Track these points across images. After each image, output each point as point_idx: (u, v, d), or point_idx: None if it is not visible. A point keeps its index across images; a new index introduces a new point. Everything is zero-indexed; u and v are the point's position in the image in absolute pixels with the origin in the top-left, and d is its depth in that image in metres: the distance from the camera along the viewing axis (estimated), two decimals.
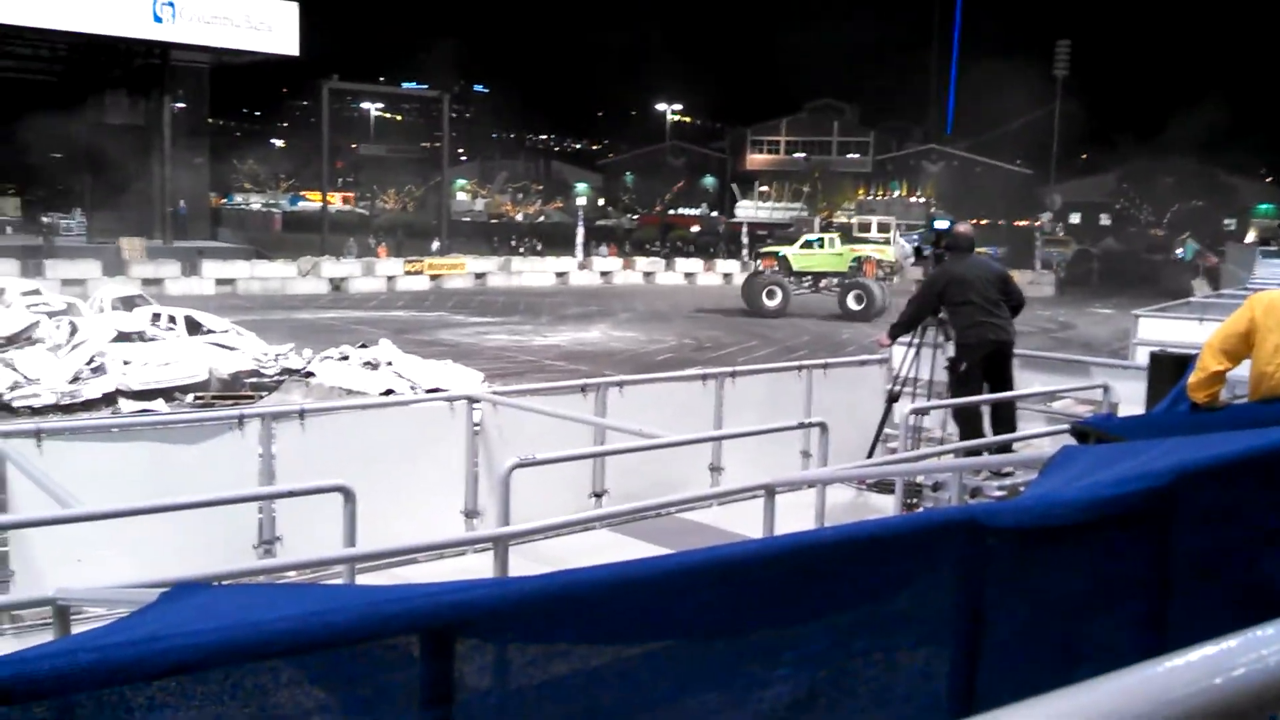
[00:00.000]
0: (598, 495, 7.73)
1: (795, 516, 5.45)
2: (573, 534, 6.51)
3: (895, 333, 9.01)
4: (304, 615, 1.57)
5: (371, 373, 18.81)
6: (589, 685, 1.80)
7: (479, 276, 45.31)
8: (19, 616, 5.82)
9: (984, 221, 61.58)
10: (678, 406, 8.54)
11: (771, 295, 36.36)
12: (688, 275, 50.74)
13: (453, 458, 7.44)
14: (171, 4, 38.59)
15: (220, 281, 37.95)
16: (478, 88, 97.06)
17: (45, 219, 43.03)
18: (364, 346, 20.09)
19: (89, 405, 17.45)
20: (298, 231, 54.21)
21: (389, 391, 17.32)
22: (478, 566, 5.93)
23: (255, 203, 75.28)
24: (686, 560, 1.85)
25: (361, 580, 5.10)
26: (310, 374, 19.60)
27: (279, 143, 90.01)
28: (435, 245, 49.83)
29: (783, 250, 38.63)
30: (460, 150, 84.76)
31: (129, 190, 41.53)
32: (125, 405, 17.56)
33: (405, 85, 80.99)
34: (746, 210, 71.70)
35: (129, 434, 6.72)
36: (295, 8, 41.27)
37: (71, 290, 28.68)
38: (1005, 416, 8.42)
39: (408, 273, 43.28)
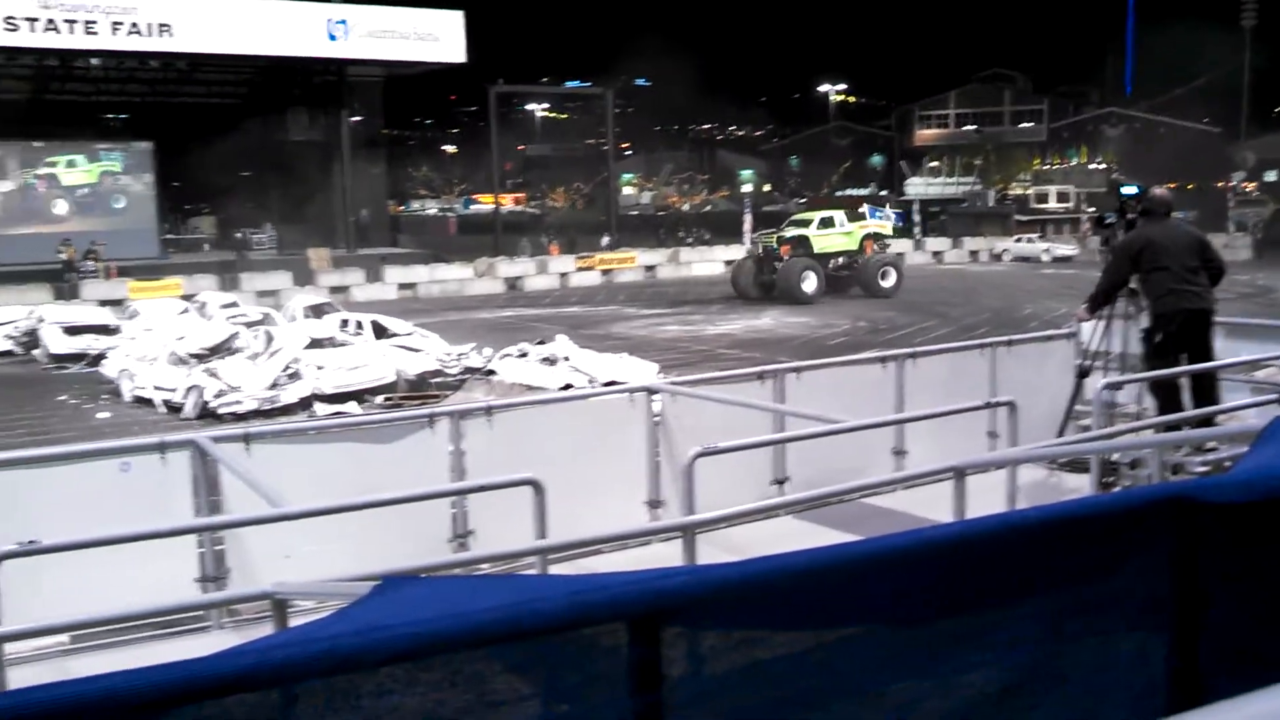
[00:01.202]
0: (779, 482, 7.70)
1: (985, 499, 5.32)
2: (756, 521, 6.51)
3: (1094, 305, 8.58)
4: (514, 605, 1.62)
5: (550, 368, 19.20)
6: (790, 671, 1.80)
7: (649, 269, 45.68)
8: (236, 610, 6.16)
9: (1172, 185, 58.66)
10: (857, 390, 8.43)
11: (805, 280, 34.62)
12: None
13: (634, 449, 7.52)
14: (344, 22, 40.12)
15: (402, 286, 39.31)
16: (639, 81, 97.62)
17: (238, 235, 45.33)
18: (541, 343, 20.51)
19: (287, 409, 18.34)
20: (472, 234, 55.64)
21: (568, 386, 17.63)
22: (664, 555, 5.98)
23: (431, 208, 77.58)
24: (884, 544, 1.83)
25: (554, 571, 5.21)
26: (491, 372, 20.14)
27: (450, 148, 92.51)
28: (605, 240, 50.44)
29: (802, 232, 36.54)
30: (625, 145, 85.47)
31: (313, 202, 43.42)
32: (320, 408, 18.38)
33: (569, 84, 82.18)
34: (916, 187, 70.20)
35: (328, 435, 7.04)
36: (460, 16, 42.34)
37: (265, 301, 30.17)
38: (1206, 388, 8.00)
39: (580, 269, 43.95)
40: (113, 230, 42.09)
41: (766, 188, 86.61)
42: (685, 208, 78.15)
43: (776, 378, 8.04)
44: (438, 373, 20.10)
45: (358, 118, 45.08)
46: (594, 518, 6.46)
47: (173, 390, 18.92)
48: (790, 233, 36.52)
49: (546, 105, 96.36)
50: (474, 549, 6.46)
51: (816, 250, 35.65)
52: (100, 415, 19.00)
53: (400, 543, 6.28)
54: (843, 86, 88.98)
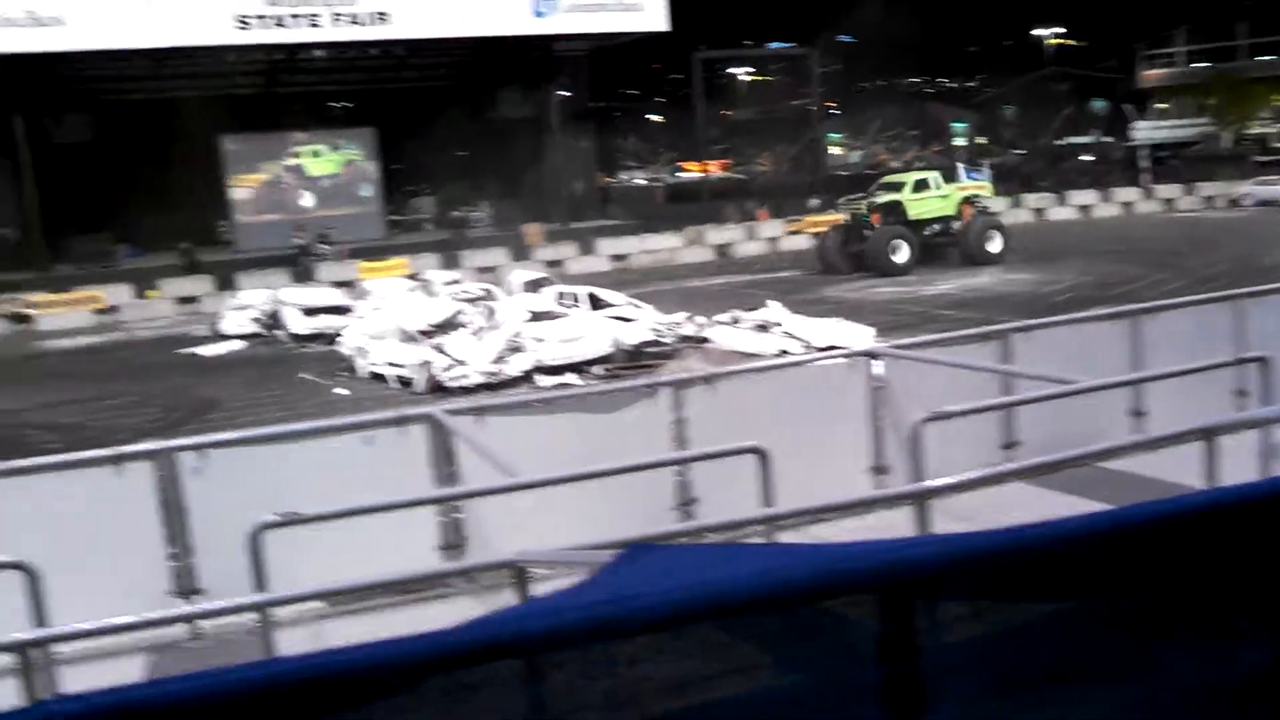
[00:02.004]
0: (1008, 446, 7.47)
1: (1236, 463, 5.02)
2: (987, 488, 6.34)
3: None
4: (766, 574, 1.62)
5: (763, 335, 19.16)
6: (1045, 639, 1.76)
7: None
8: (474, 577, 6.42)
9: None
10: (1089, 349, 8.08)
11: (896, 250, 31.81)
12: (1082, 208, 47.69)
13: (855, 415, 7.44)
14: None
15: (614, 257, 39.87)
16: (843, 38, 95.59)
17: (456, 214, 46.92)
18: (754, 309, 20.47)
19: (511, 382, 18.94)
20: (680, 203, 55.91)
21: (783, 352, 17.55)
22: (892, 523, 5.90)
23: (639, 179, 78.34)
24: (1136, 514, 1.75)
25: (781, 539, 5.22)
26: (705, 340, 20.26)
27: (656, 118, 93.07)
28: (813, 202, 49.80)
29: (895, 197, 33.62)
30: (831, 104, 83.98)
31: (526, 178, 44.51)
32: (542, 380, 18.90)
33: (771, 45, 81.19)
34: (1144, 132, 66.26)
35: (554, 407, 7.23)
36: None
37: (485, 277, 31.16)
38: None
39: (789, 233, 43.53)
40: (343, 214, 44.41)
41: (981, 140, 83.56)
42: (895, 165, 76.30)
43: (1003, 338, 7.79)
44: (653, 342, 20.33)
45: (565, 92, 45.85)
46: (816, 485, 6.42)
47: (403, 366, 19.81)
48: (882, 198, 34.09)
49: (750, 68, 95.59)
50: (698, 517, 6.54)
51: (911, 216, 33.14)
52: (338, 391, 20.08)
53: (626, 511, 6.41)
54: (1059, 30, 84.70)
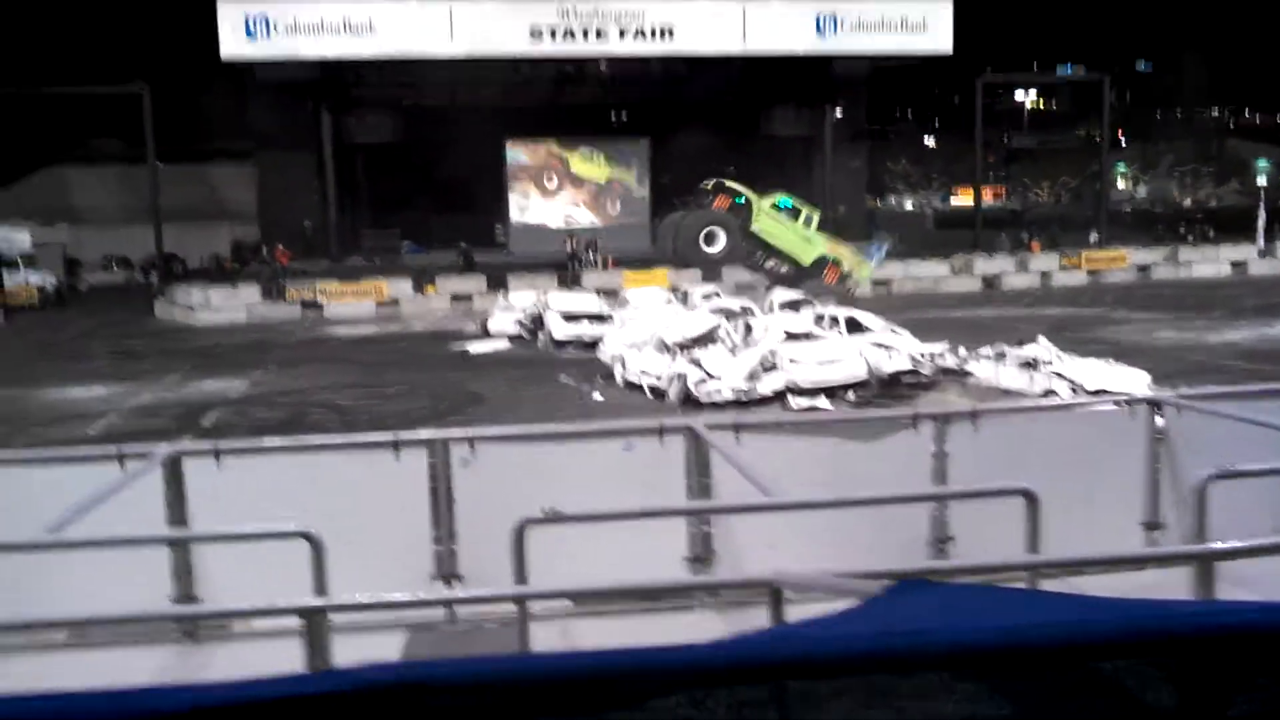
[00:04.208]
0: None
1: None
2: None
3: None
4: (1072, 623, 1.54)
5: (1030, 372, 18.40)
6: None
7: (1142, 269, 42.48)
8: (717, 591, 6.43)
9: None
10: None
11: (711, 241, 28.41)
12: None
13: (1131, 465, 7.01)
14: (834, 17, 40.67)
15: (876, 282, 39.29)
16: (1140, 65, 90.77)
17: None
18: (1021, 344, 19.70)
19: (762, 400, 18.94)
20: (949, 229, 54.51)
21: (1049, 392, 16.82)
22: (1163, 583, 5.52)
23: (907, 202, 76.93)
24: None
25: (1044, 588, 4.97)
26: (967, 373, 19.65)
27: (930, 141, 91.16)
28: (1093, 237, 47.50)
29: (750, 196, 30.28)
30: (1119, 134, 79.91)
31: (794, 196, 44.44)
32: (794, 401, 18.80)
33: (1061, 71, 78.04)
34: None
35: (810, 429, 7.17)
36: (949, 6, 41.51)
37: (744, 294, 31.29)
38: None
39: (1063, 267, 41.74)
40: (610, 224, 45.64)
41: None
42: (1187, 202, 71.81)
43: None
44: (911, 371, 19.88)
45: (840, 112, 45.53)
46: (1083, 534, 6.09)
47: (658, 377, 20.14)
48: (736, 187, 31.83)
49: (1034, 94, 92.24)
50: (954, 555, 6.33)
51: (754, 228, 30.88)
52: (595, 397, 20.62)
53: (878, 542, 6.28)
54: None
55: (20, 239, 47.19)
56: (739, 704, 1.50)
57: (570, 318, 27.32)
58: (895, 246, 31.68)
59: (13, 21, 65.92)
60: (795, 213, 32.02)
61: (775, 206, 31.81)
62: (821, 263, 31.25)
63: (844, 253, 31.86)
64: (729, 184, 31.03)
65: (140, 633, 6.00)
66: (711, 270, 32.54)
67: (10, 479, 6.37)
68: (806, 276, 30.66)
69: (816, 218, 32.46)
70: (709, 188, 31.38)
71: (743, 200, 31.39)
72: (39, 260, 47.60)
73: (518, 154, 46.74)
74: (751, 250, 31.67)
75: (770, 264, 31.46)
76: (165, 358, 27.39)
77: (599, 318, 27.14)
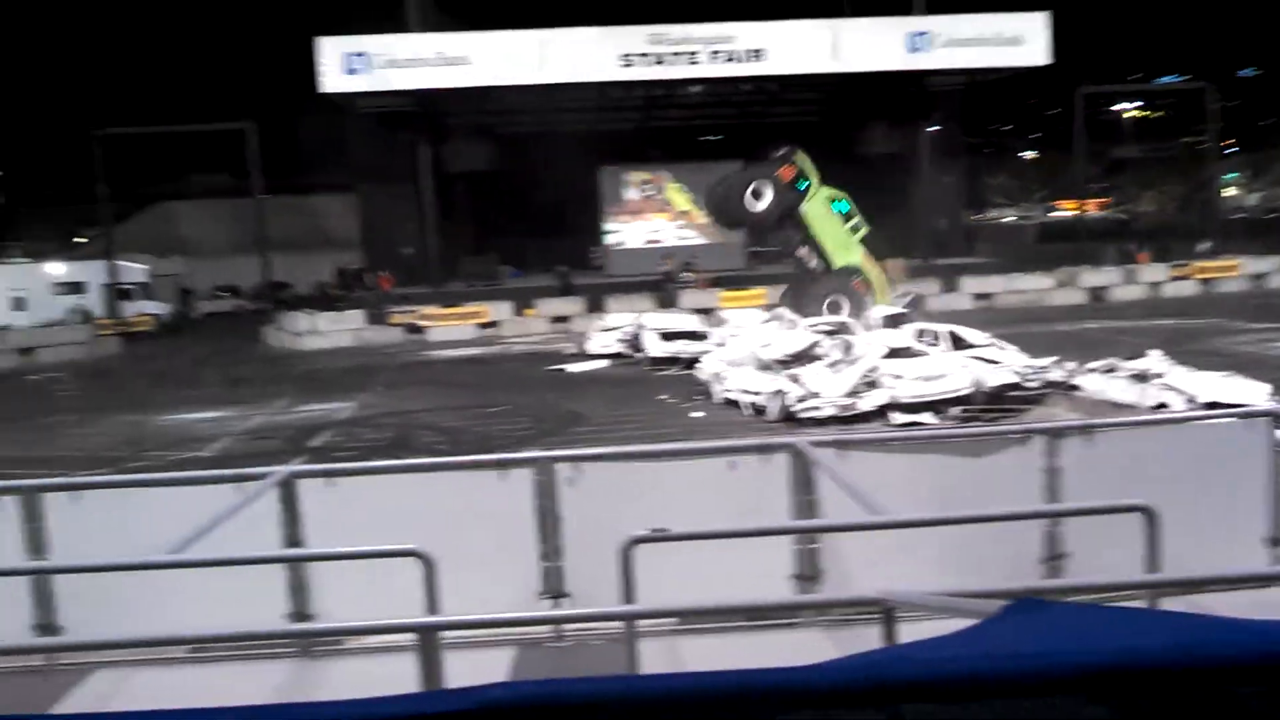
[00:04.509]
0: None
1: None
2: None
3: None
4: (1192, 646, 1.51)
5: (1141, 385, 17.92)
6: None
7: (1257, 278, 41.10)
8: (825, 609, 6.38)
9: None
10: None
11: (759, 196, 28.13)
12: None
13: (1251, 480, 6.79)
14: (926, 33, 40.27)
15: (978, 296, 38.71)
16: (1244, 72, 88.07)
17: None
18: (1131, 358, 19.21)
19: (864, 417, 18.75)
20: (1052, 242, 53.44)
21: (1161, 406, 16.37)
22: None
23: (1008, 216, 75.63)
24: None
25: (1166, 606, 4.84)
26: (1074, 387, 19.22)
27: (1029, 154, 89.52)
28: (1203, 246, 46.15)
29: (814, 178, 29.32)
30: (1227, 142, 77.54)
31: (889, 214, 43.96)
32: (896, 417, 18.57)
33: (1162, 79, 76.13)
34: None
35: (916, 446, 7.08)
36: (1045, 17, 40.82)
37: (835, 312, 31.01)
38: None
39: (1173, 278, 40.63)
40: (706, 244, 45.65)
41: None
42: None
43: None
44: (1016, 386, 19.50)
45: (935, 127, 45.02)
46: (1201, 552, 5.91)
47: (758, 394, 20.06)
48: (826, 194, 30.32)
49: (1137, 104, 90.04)
50: (1069, 573, 6.19)
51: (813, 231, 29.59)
52: (694, 414, 20.62)
53: (988, 559, 6.17)
54: None
55: (137, 271, 49.02)
56: None
57: (667, 336, 27.39)
58: (918, 307, 31.00)
59: (127, 65, 68.60)
60: (848, 218, 31.28)
61: (832, 201, 31.06)
62: (850, 272, 30.44)
63: (876, 274, 31.18)
64: (801, 157, 30.82)
65: (258, 648, 6.17)
66: (756, 237, 32.14)
67: (136, 500, 6.60)
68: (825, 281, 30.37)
69: (864, 230, 31.67)
70: (780, 154, 31.16)
71: (805, 185, 30.54)
72: (155, 291, 49.38)
73: (612, 177, 47.08)
74: (789, 235, 31.11)
75: (802, 251, 30.83)
76: (275, 382, 28.12)
77: (695, 336, 27.17)
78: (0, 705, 4.79)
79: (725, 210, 30.91)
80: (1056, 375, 19.89)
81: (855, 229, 30.67)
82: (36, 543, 6.41)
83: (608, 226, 46.92)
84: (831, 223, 30.20)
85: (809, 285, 30.03)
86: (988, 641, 1.95)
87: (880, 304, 29.32)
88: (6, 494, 6.47)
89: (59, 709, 5.44)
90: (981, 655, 1.56)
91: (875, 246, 37.16)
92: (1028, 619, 2.03)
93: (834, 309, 28.42)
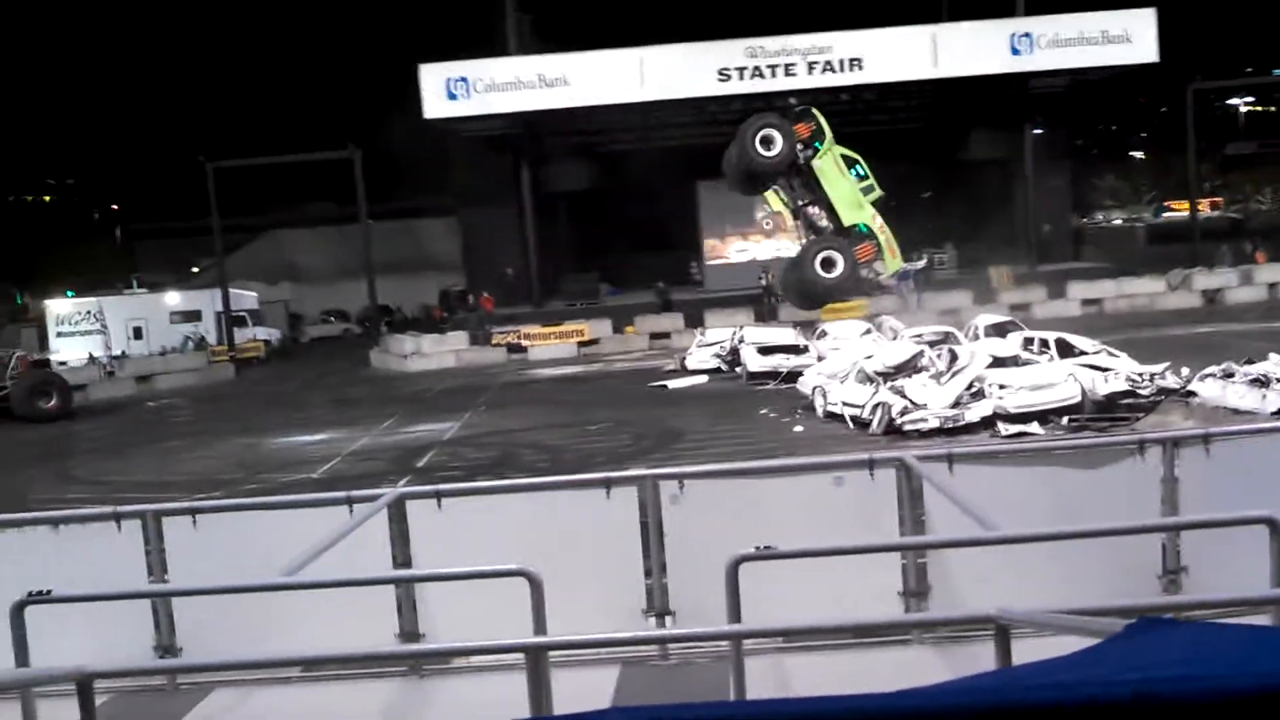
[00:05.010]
0: None
1: None
2: None
3: None
4: None
5: (1260, 391, 17.28)
6: None
7: None
8: (932, 626, 6.25)
9: None
10: None
11: (769, 144, 27.45)
12: None
13: None
14: (1029, 35, 39.53)
15: (1086, 302, 37.75)
16: None
17: (919, 256, 46.44)
18: (1249, 362, 18.53)
19: (970, 428, 18.38)
20: (1163, 244, 51.87)
21: None
22: None
23: (1116, 219, 73.70)
24: None
25: None
26: (1191, 393, 18.60)
27: (1138, 154, 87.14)
28: None
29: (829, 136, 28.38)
30: None
31: (993, 220, 43.21)
32: (1003, 428, 18.18)
33: (1277, 72, 73.40)
34: None
35: (1027, 458, 6.91)
36: (1153, 14, 39.77)
37: (946, 320, 30.53)
38: None
39: None
40: None
41: None
42: None
43: None
44: (1128, 393, 18.92)
45: (1040, 130, 44.12)
46: None
47: (860, 407, 19.81)
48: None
49: (1250, 99, 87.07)
50: (1189, 589, 5.98)
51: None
52: (796, 429, 20.45)
53: (1104, 575, 6.00)
54: None
55: (249, 298, 50.52)
56: None
57: (765, 351, 27.24)
58: (928, 278, 29.76)
59: (237, 98, 70.84)
60: (862, 181, 30.69)
61: (847, 160, 30.58)
62: (858, 233, 29.86)
63: (885, 238, 30.40)
64: (817, 114, 30.67)
65: (369, 668, 6.27)
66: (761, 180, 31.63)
67: (251, 523, 6.77)
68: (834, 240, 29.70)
69: (878, 194, 31.07)
70: (798, 109, 30.79)
71: (821, 145, 30.19)
72: (265, 317, 50.82)
73: (710, 192, 47.10)
74: (798, 190, 30.72)
75: (812, 210, 30.49)
76: (381, 404, 28.66)
77: (794, 349, 26.97)
78: None
79: (735, 159, 30.63)
80: (1171, 382, 19.26)
81: (868, 190, 30.11)
82: (157, 566, 6.62)
83: (707, 241, 46.91)
84: (843, 180, 29.90)
85: (806, 246, 29.62)
86: (1112, 663, 1.88)
87: (890, 269, 28.92)
88: (129, 518, 6.69)
89: None
90: (1109, 678, 1.51)
91: (978, 251, 36.45)
92: (1153, 638, 1.95)
93: (827, 266, 27.98)
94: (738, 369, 27.81)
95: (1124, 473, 6.46)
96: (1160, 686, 1.39)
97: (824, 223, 29.64)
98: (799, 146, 28.94)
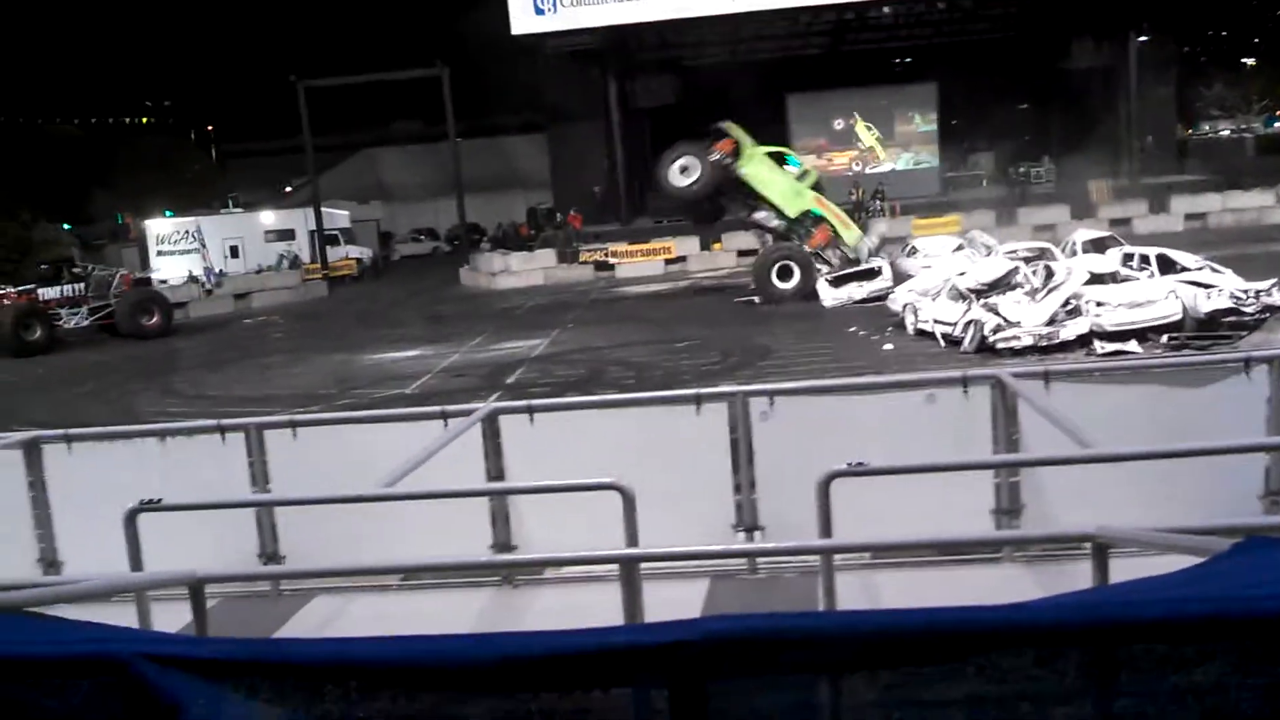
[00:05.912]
0: None
1: None
2: None
3: None
4: None
5: None
6: None
7: None
8: (1024, 545, 6.19)
9: None
10: None
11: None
12: None
13: None
14: None
15: (1189, 216, 36.55)
16: None
17: (1017, 170, 45.33)
18: None
19: (1065, 346, 18.02)
20: (1273, 155, 49.83)
21: None
22: None
23: (1224, 129, 70.87)
24: None
25: None
26: None
27: (1249, 61, 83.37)
28: None
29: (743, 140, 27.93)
30: None
31: (1094, 132, 41.84)
32: (1100, 346, 17.79)
33: None
34: None
35: (1127, 376, 6.76)
36: None
37: (1041, 235, 29.81)
38: None
39: None
40: (899, 171, 44.56)
41: None
42: None
43: None
44: (1232, 310, 18.34)
45: (1144, 37, 42.42)
46: None
47: (952, 325, 19.52)
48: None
49: None
50: None
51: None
52: (886, 347, 20.24)
53: (1206, 496, 5.87)
54: None
55: (340, 217, 51.20)
56: (1087, 664, 1.43)
57: (837, 281, 26.82)
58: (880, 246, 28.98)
59: (328, 17, 71.08)
60: (801, 173, 30.31)
61: (772, 156, 30.15)
62: (808, 220, 29.31)
63: (836, 217, 29.79)
64: (730, 126, 30.14)
65: (463, 577, 6.42)
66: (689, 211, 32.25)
67: (349, 437, 6.94)
68: (793, 235, 29.20)
69: (814, 177, 30.68)
70: (712, 131, 30.17)
71: (744, 153, 29.83)
72: (357, 236, 51.51)
73: (801, 105, 46.32)
74: (741, 202, 30.41)
75: (759, 214, 29.90)
76: (471, 321, 28.99)
77: (869, 274, 26.59)
78: (231, 627, 5.14)
79: (657, 187, 30.73)
80: (1278, 299, 18.63)
81: (803, 177, 29.92)
82: (260, 476, 6.83)
83: (795, 155, 46.22)
84: (774, 175, 29.58)
85: (760, 258, 29.27)
86: (1217, 581, 1.85)
87: (851, 241, 28.54)
88: (233, 431, 6.89)
89: (284, 632, 5.81)
90: (1216, 595, 1.48)
91: (1076, 164, 35.32)
92: (1261, 557, 1.91)
93: (784, 276, 27.64)
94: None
95: (1227, 392, 6.29)
96: (1271, 604, 1.36)
97: (774, 222, 29.31)
98: (726, 161, 28.58)
